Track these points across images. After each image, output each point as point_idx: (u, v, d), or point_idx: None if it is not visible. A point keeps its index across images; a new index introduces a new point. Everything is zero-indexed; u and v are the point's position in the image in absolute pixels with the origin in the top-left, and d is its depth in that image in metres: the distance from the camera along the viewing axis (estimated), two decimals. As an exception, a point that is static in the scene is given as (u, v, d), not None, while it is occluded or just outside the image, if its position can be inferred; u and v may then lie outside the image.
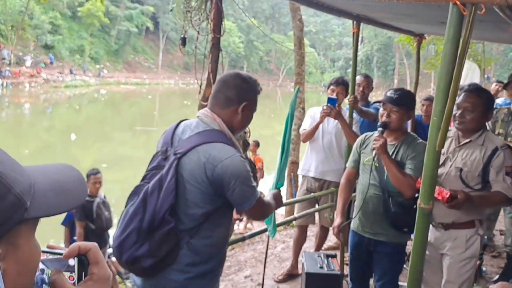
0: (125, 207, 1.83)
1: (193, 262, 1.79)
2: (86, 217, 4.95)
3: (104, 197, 5.29)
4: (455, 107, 2.40)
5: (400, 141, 2.62)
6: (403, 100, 2.61)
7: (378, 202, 2.61)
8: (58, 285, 0.69)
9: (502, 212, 4.28)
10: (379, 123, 2.68)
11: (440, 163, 2.43)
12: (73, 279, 0.71)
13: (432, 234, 2.52)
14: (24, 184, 0.61)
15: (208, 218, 1.78)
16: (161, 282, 1.80)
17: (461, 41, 1.47)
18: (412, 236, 1.84)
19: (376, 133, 2.62)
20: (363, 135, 2.88)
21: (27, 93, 32.36)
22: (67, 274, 0.71)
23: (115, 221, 6.20)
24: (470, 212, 2.44)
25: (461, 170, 2.46)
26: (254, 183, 1.82)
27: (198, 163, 1.71)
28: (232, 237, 3.47)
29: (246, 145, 3.10)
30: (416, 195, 2.40)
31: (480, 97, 2.44)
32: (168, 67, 56.89)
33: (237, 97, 1.85)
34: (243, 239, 3.31)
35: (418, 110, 5.39)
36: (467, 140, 2.50)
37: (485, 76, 19.97)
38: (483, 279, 3.86)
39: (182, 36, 2.59)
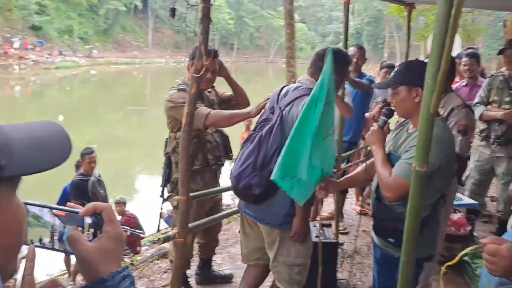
0: (241, 149, 2.40)
1: (291, 201, 2.23)
2: (82, 196, 4.95)
3: (99, 175, 5.29)
4: None
5: (416, 129, 2.00)
6: (400, 76, 2.08)
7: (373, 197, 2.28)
8: (75, 240, 0.74)
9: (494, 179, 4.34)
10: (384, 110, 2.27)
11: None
12: (90, 236, 0.76)
13: None
14: None
15: None
16: (266, 213, 2.36)
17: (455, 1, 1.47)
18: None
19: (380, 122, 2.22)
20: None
21: (16, 75, 31.86)
22: (81, 229, 0.77)
23: (111, 200, 6.22)
24: None
25: None
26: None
27: (297, 110, 2.15)
28: (228, 211, 3.50)
29: None
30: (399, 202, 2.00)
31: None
32: (158, 46, 56.12)
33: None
34: (238, 211, 3.33)
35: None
36: None
37: (475, 46, 19.92)
38: (474, 243, 3.93)
39: (171, 6, 2.53)
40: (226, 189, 3.58)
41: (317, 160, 2.05)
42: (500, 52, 4.10)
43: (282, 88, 2.47)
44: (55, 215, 0.77)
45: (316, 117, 1.99)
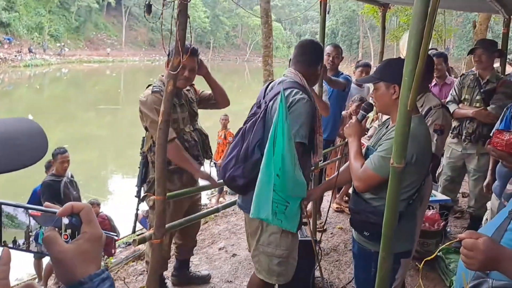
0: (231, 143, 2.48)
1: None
2: (53, 198, 4.80)
3: (72, 176, 5.15)
4: None
5: (394, 125, 2.01)
6: (380, 72, 2.15)
7: None
8: (51, 241, 0.70)
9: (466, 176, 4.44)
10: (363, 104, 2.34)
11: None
12: (67, 237, 0.73)
13: None
14: None
15: None
16: (250, 202, 2.29)
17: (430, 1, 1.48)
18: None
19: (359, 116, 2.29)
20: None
21: (-18, 74, 30.83)
22: (58, 230, 0.73)
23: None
24: None
25: None
26: (301, 124, 2.24)
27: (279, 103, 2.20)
28: (205, 210, 3.47)
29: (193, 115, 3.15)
30: (369, 195, 2.09)
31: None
32: (132, 44, 55.33)
33: (316, 59, 2.46)
34: (217, 210, 3.31)
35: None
36: None
37: (446, 46, 20.43)
38: (447, 239, 4.03)
39: (147, 3, 2.47)
40: (203, 188, 3.55)
41: (296, 192, 2.24)
42: (470, 52, 4.19)
43: (269, 84, 2.55)
44: (30, 215, 0.74)
45: (279, 155, 2.09)
